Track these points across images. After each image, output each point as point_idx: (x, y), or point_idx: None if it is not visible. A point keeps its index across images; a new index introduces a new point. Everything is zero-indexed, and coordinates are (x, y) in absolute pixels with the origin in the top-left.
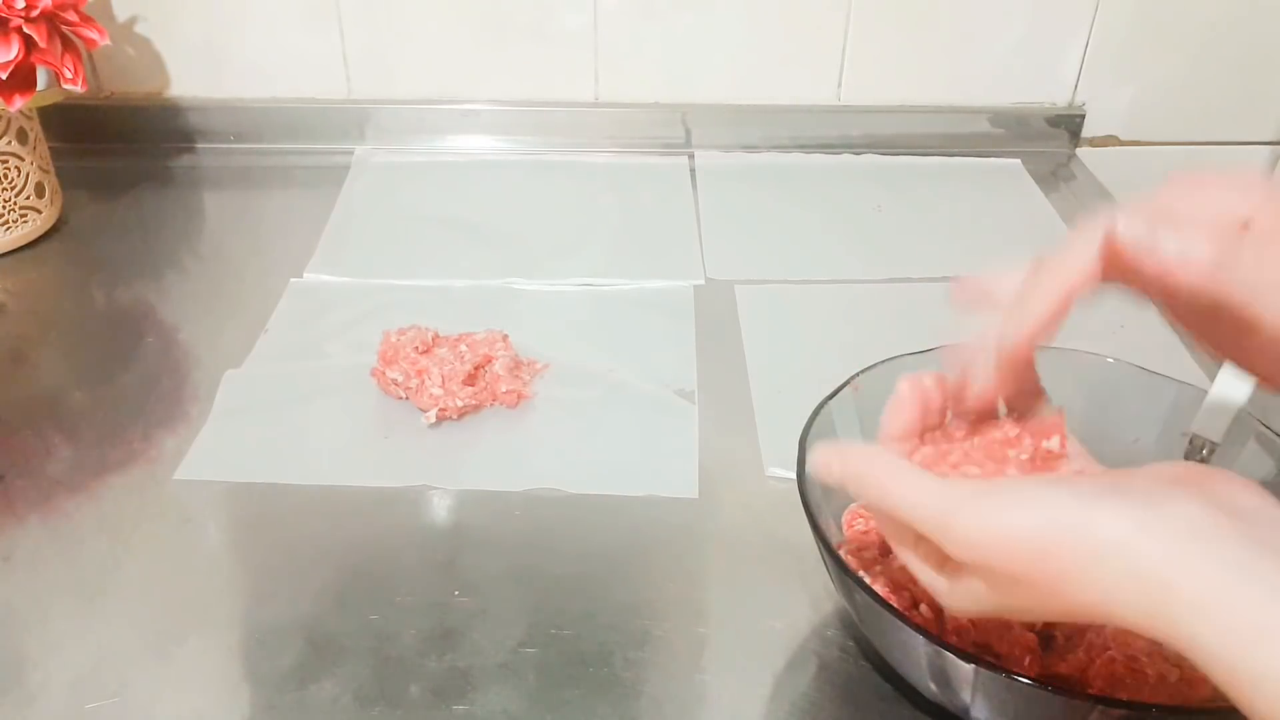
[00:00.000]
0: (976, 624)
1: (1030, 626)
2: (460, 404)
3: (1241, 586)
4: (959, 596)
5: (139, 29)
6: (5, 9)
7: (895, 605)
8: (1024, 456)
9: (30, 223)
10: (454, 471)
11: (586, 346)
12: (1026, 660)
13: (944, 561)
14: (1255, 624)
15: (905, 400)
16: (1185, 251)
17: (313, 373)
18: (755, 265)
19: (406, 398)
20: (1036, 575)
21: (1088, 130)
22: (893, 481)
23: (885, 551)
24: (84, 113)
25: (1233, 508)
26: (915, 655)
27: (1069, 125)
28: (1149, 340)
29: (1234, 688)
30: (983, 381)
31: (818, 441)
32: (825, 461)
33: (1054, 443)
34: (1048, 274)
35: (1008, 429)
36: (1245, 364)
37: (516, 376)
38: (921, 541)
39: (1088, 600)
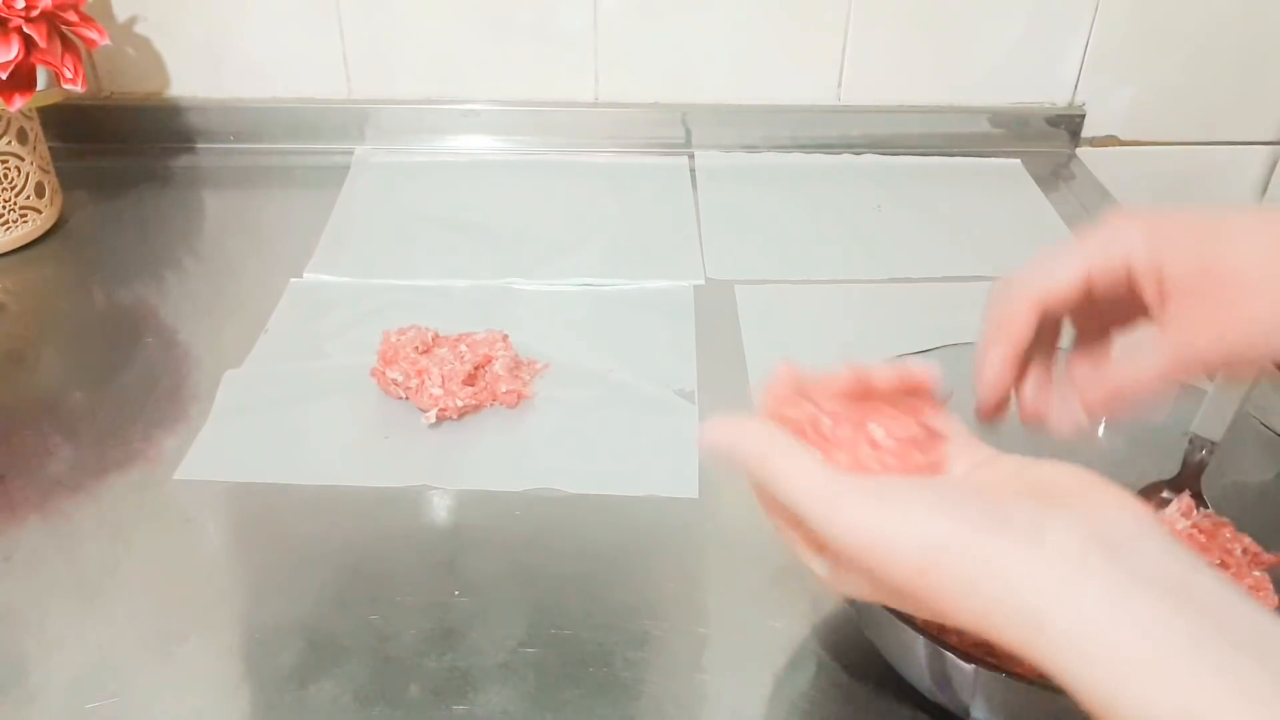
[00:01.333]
0: None
1: None
2: (460, 404)
3: (1113, 624)
4: (841, 583)
5: (139, 29)
6: (5, 9)
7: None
8: (905, 434)
9: (30, 223)
10: (454, 471)
11: (586, 346)
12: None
13: (824, 546)
14: (1126, 660)
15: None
16: (1135, 376)
17: (313, 373)
18: (755, 265)
19: (406, 398)
20: (914, 588)
21: (1088, 130)
22: (779, 460)
23: None
24: (84, 113)
25: (1111, 534)
26: (915, 655)
27: (1069, 125)
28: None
29: None
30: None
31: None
32: (715, 431)
33: (930, 419)
34: (1017, 287)
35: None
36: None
37: (516, 376)
38: (803, 523)
39: (965, 619)
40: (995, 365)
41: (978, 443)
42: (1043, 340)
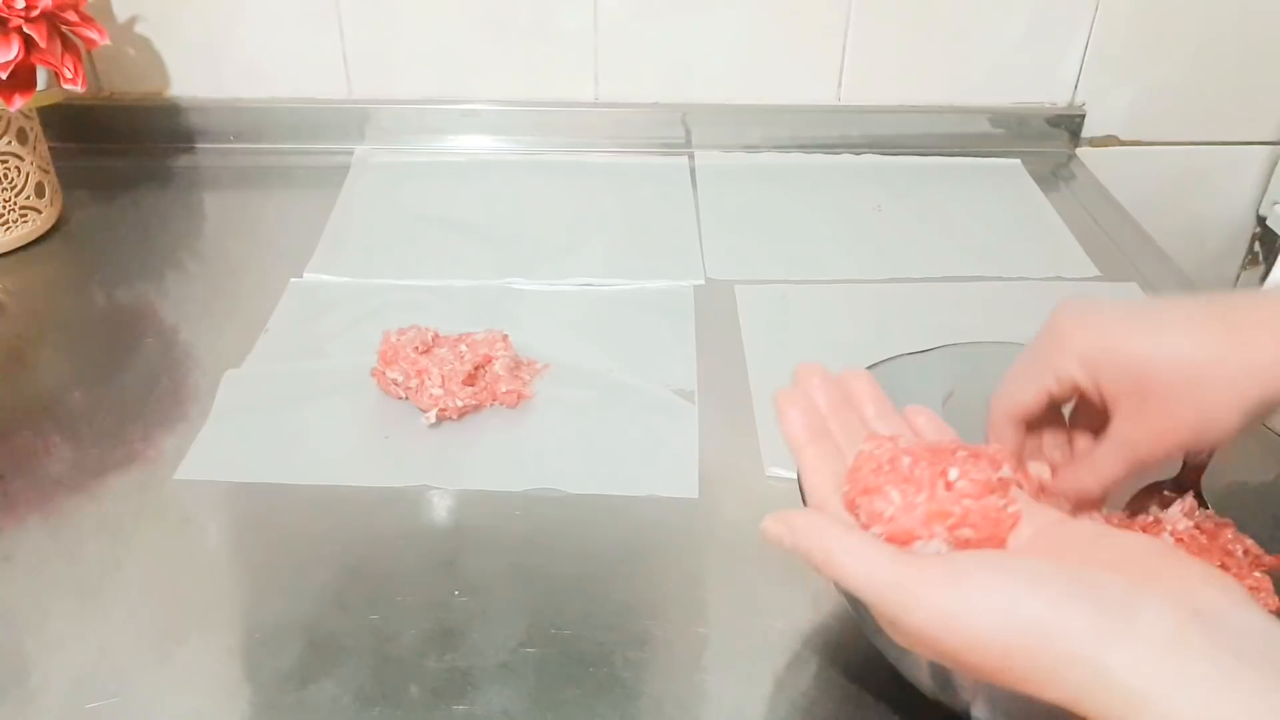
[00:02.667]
0: None
1: None
2: (460, 404)
3: (1217, 704)
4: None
5: (139, 29)
6: (5, 9)
7: None
8: (983, 478)
9: (30, 223)
10: (454, 471)
11: (586, 346)
12: None
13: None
14: None
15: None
16: (1093, 481)
17: (313, 373)
18: (755, 265)
19: (406, 398)
20: (1000, 673)
21: (1088, 130)
22: (841, 557)
23: None
24: (84, 113)
25: (1208, 613)
26: (915, 655)
27: (1069, 125)
28: None
29: None
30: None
31: (784, 393)
32: (776, 535)
33: (1005, 471)
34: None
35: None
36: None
37: (516, 376)
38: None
39: (1056, 699)
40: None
41: (1044, 505)
42: (1048, 423)
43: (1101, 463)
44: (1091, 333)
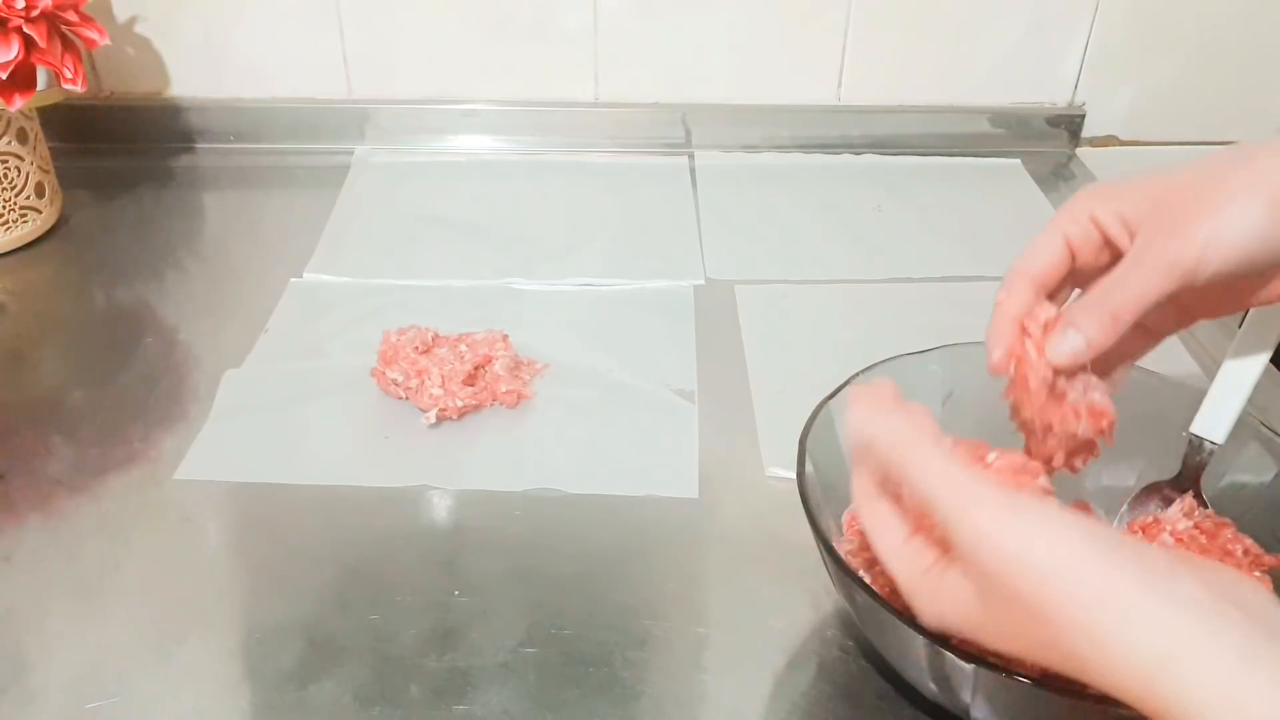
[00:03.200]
0: None
1: None
2: (460, 404)
3: (1246, 676)
4: (942, 601)
5: (139, 29)
6: (5, 9)
7: (895, 605)
8: (1020, 463)
9: (30, 223)
10: (454, 471)
11: (586, 346)
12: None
13: (934, 563)
14: (1259, 714)
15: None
16: (1124, 294)
17: (313, 373)
18: (755, 265)
19: (406, 398)
20: (1032, 598)
21: (1088, 130)
22: (923, 457)
23: None
24: (84, 113)
25: (1240, 597)
26: (915, 655)
27: (1069, 125)
28: None
29: None
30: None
31: (860, 386)
32: (864, 417)
33: (1043, 480)
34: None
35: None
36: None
37: (516, 376)
38: (915, 538)
39: (1074, 645)
40: (995, 325)
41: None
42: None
43: (1131, 275)
44: (1109, 183)
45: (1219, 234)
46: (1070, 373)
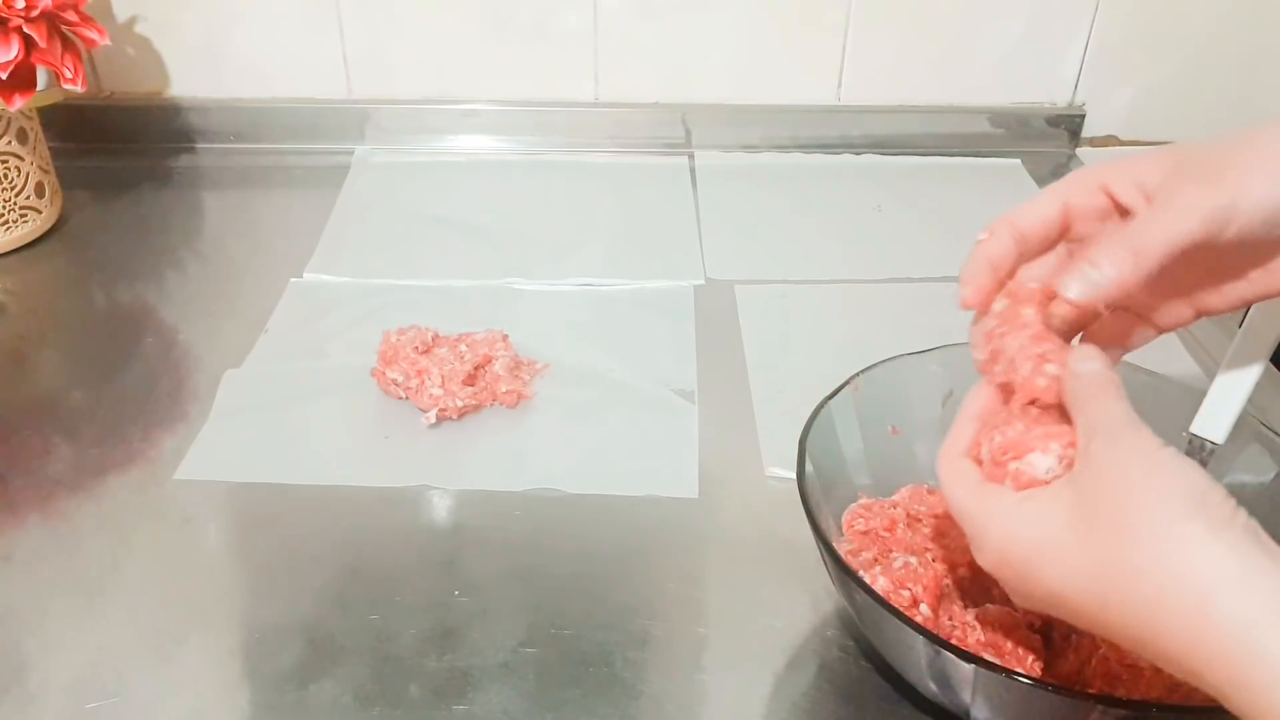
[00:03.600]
0: (982, 623)
1: (1031, 626)
2: (460, 404)
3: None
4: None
5: (139, 29)
6: (5, 9)
7: (895, 605)
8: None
9: (30, 223)
10: (454, 471)
11: (586, 346)
12: (1030, 660)
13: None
14: None
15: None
16: (1151, 233)
17: (313, 373)
18: (755, 265)
19: (406, 398)
20: (1098, 508)
21: (1088, 130)
22: (946, 476)
23: (885, 551)
24: (84, 113)
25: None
26: (915, 655)
27: (1069, 125)
28: None
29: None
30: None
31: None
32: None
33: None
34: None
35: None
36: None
37: (516, 376)
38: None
39: (1115, 576)
40: (970, 264)
41: None
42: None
43: (1157, 215)
44: (1120, 158)
45: (1251, 182)
46: (1062, 332)
